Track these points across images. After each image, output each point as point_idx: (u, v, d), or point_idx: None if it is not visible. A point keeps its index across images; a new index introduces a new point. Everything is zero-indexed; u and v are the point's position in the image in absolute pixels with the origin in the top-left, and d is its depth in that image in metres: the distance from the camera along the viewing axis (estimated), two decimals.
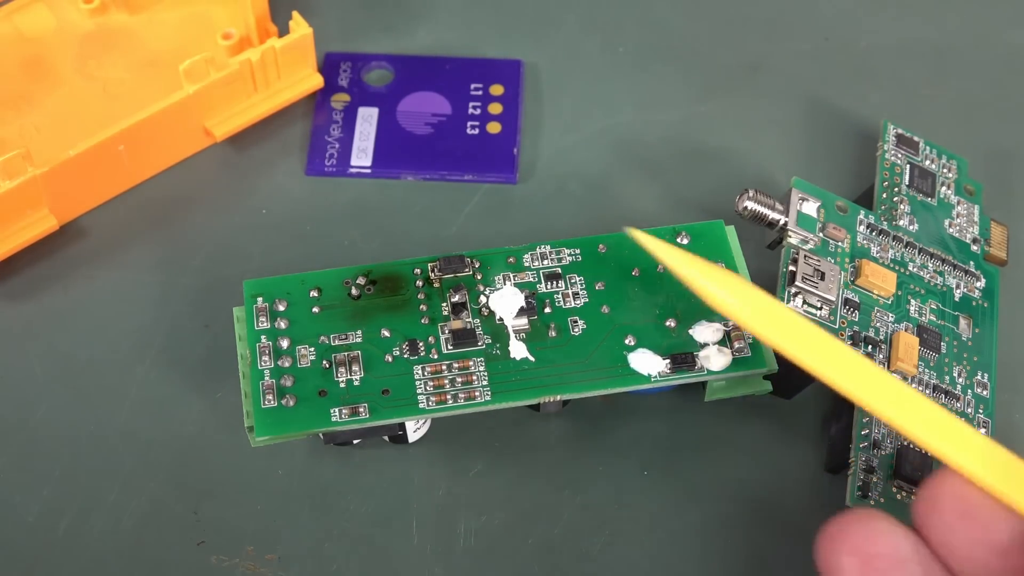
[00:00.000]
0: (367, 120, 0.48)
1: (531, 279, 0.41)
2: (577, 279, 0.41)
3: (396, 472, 0.41)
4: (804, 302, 0.41)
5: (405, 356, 0.39)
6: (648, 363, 0.39)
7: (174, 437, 0.42)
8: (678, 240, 0.41)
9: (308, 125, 0.49)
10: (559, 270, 0.41)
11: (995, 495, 0.31)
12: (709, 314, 0.40)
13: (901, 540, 0.31)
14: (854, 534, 0.32)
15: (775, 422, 0.42)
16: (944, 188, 0.46)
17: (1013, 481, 0.31)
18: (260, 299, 0.40)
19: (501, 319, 0.40)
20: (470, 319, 0.40)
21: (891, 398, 0.32)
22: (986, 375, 0.43)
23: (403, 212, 0.47)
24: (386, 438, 0.41)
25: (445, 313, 0.40)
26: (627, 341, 0.39)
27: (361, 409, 0.38)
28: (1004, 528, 0.31)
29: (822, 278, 0.41)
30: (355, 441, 0.40)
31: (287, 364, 0.39)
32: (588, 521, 0.41)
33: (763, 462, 0.42)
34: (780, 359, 0.39)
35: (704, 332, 0.39)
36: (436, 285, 0.40)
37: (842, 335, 0.41)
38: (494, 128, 0.48)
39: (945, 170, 0.46)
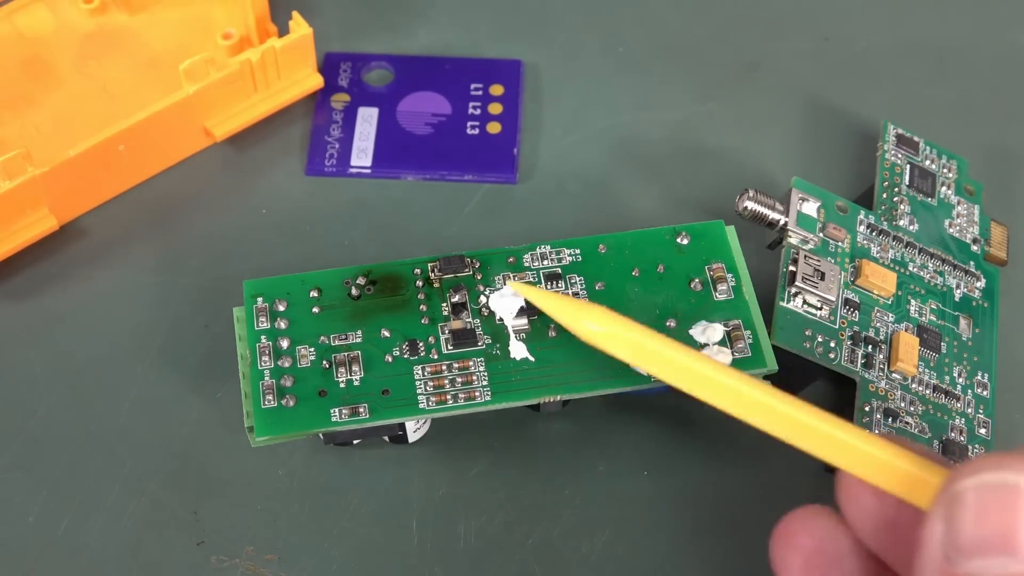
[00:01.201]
0: (367, 120, 0.48)
1: (531, 279, 0.41)
2: (577, 279, 0.41)
3: (396, 472, 0.41)
4: (804, 302, 0.41)
5: (405, 356, 0.39)
6: None
7: (174, 437, 0.42)
8: (678, 240, 0.41)
9: (308, 125, 0.49)
10: (559, 270, 0.41)
11: (880, 488, 0.31)
12: (709, 314, 0.40)
13: (842, 536, 0.32)
14: (799, 531, 0.33)
15: None
16: (944, 188, 0.46)
17: (901, 477, 0.31)
18: (260, 299, 0.40)
19: (501, 319, 0.40)
20: (470, 319, 0.40)
21: (774, 412, 0.32)
22: (986, 375, 0.43)
23: (403, 212, 0.47)
24: (386, 438, 0.41)
25: (445, 313, 0.40)
26: None
27: (361, 409, 0.38)
28: (893, 501, 0.31)
29: (822, 278, 0.41)
30: (355, 441, 0.40)
31: (287, 364, 0.39)
32: (588, 521, 0.41)
33: (763, 462, 0.42)
34: (781, 360, 0.39)
35: (704, 332, 0.39)
36: (436, 285, 0.40)
37: (842, 335, 0.41)
38: (494, 128, 0.48)
39: (945, 170, 0.46)
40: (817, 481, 0.41)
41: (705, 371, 0.32)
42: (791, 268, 0.41)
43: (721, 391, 0.32)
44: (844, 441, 0.31)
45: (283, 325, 0.39)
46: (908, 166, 0.46)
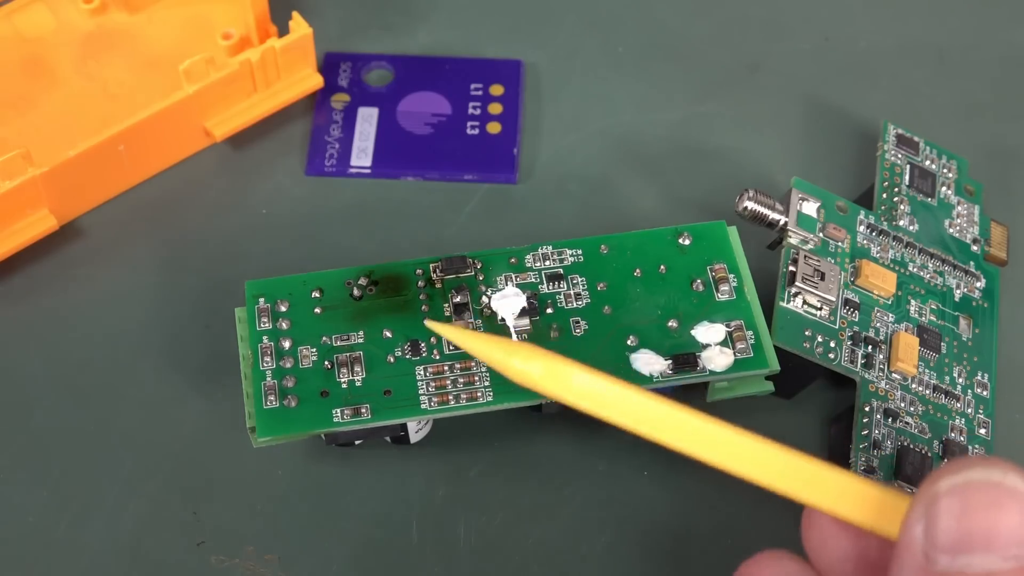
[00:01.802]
0: (367, 120, 0.48)
1: (533, 280, 0.41)
2: (579, 280, 0.41)
3: (396, 472, 0.41)
4: (804, 302, 0.41)
5: (407, 356, 0.39)
6: (650, 364, 0.39)
7: (174, 437, 0.42)
8: (680, 240, 0.41)
9: (308, 125, 0.49)
10: (561, 271, 0.41)
11: (854, 524, 0.31)
12: (711, 315, 0.40)
13: None
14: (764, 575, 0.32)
15: (776, 422, 0.42)
16: (944, 188, 0.46)
17: (868, 507, 0.30)
18: (262, 300, 0.40)
19: (503, 320, 0.40)
20: (472, 320, 0.40)
21: (721, 446, 0.31)
22: (986, 375, 0.43)
23: (403, 212, 0.47)
24: (388, 439, 0.41)
25: (447, 314, 0.40)
26: (629, 342, 0.39)
27: (363, 410, 0.38)
28: (872, 542, 0.31)
29: (822, 278, 0.41)
30: (357, 442, 0.40)
31: (289, 365, 0.39)
32: (588, 521, 0.41)
33: None
34: (781, 360, 0.39)
35: (706, 333, 0.39)
36: (438, 286, 0.40)
37: (842, 335, 0.41)
38: (494, 128, 0.48)
39: (945, 170, 0.46)
40: None
41: (646, 407, 0.31)
42: (791, 268, 0.41)
43: (668, 427, 0.31)
44: (805, 473, 0.31)
45: (285, 326, 0.39)
46: (908, 166, 0.46)
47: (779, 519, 0.41)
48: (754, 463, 0.31)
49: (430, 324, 0.36)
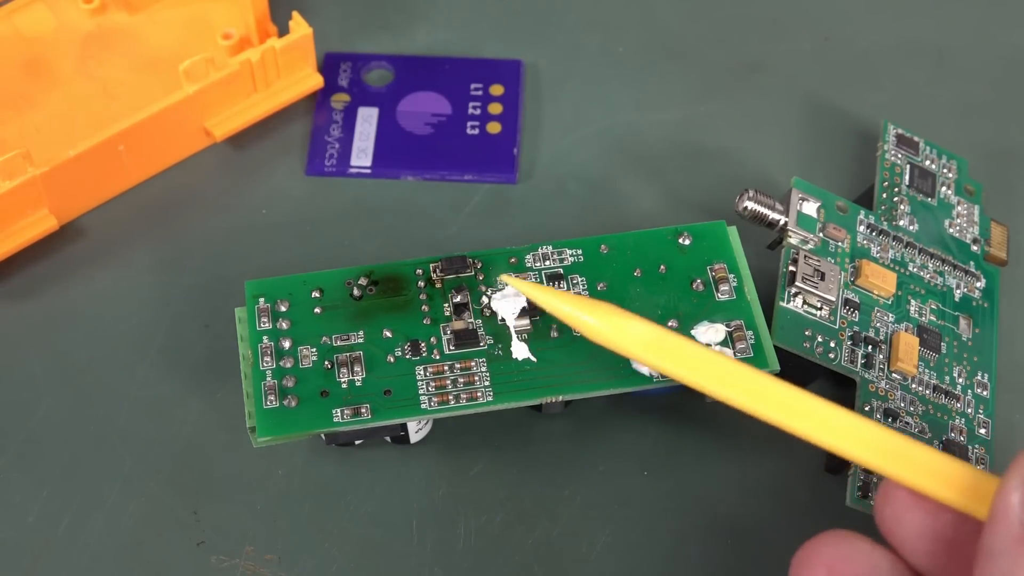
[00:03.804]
0: (367, 120, 0.48)
1: (533, 280, 0.41)
2: (579, 279, 0.41)
3: (396, 472, 0.41)
4: (804, 302, 0.41)
5: (407, 356, 0.39)
6: None
7: (174, 437, 0.42)
8: (680, 240, 0.41)
9: (308, 125, 0.49)
10: (561, 271, 0.41)
11: (932, 497, 0.30)
12: (711, 315, 0.40)
13: (879, 559, 0.31)
14: (829, 554, 0.31)
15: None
16: (944, 188, 0.46)
17: (955, 485, 0.30)
18: (262, 300, 0.40)
19: (503, 319, 0.40)
20: (472, 319, 0.40)
21: (794, 408, 0.31)
22: (986, 375, 0.43)
23: (403, 212, 0.47)
24: (388, 439, 0.41)
25: (447, 313, 0.40)
26: None
27: (363, 409, 0.38)
28: (949, 519, 0.30)
29: (822, 278, 0.41)
30: (357, 442, 0.40)
31: (289, 365, 0.39)
32: (588, 521, 0.41)
33: (763, 462, 0.42)
34: (781, 360, 0.39)
35: (706, 333, 0.39)
36: (438, 285, 0.40)
37: (842, 335, 0.41)
38: (494, 128, 0.48)
39: (945, 170, 0.46)
40: (816, 481, 0.41)
41: (718, 365, 0.32)
42: (791, 268, 0.41)
43: (745, 389, 0.31)
44: (894, 449, 0.30)
45: (285, 325, 0.39)
46: (908, 166, 0.46)
47: (780, 518, 0.41)
48: (831, 431, 0.31)
49: (505, 278, 0.38)
